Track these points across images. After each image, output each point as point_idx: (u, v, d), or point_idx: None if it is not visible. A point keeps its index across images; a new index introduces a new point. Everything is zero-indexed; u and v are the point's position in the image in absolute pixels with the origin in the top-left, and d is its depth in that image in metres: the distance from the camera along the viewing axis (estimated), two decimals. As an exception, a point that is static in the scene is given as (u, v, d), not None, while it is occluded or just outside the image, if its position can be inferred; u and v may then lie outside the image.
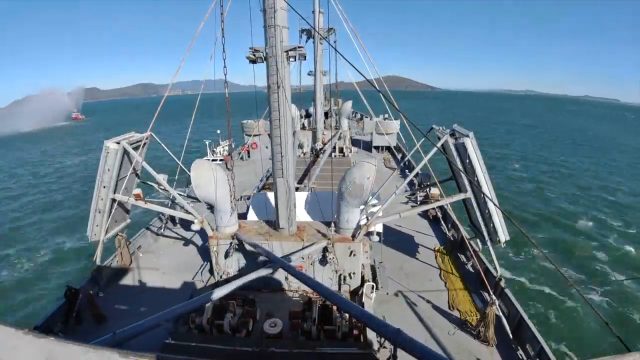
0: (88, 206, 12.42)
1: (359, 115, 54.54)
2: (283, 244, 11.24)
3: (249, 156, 32.55)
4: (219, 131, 41.79)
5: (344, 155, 27.91)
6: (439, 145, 10.59)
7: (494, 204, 10.03)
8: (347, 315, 9.06)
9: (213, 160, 30.60)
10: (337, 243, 11.03)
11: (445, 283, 12.74)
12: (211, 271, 12.46)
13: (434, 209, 17.61)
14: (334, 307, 9.42)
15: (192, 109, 12.66)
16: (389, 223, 13.46)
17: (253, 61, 9.91)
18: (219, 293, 9.57)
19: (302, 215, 12.62)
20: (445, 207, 17.01)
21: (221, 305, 9.88)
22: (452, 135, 10.91)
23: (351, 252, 11.14)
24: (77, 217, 35.44)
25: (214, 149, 36.87)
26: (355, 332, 9.08)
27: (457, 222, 15.71)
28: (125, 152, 11.61)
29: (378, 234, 14.10)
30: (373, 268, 12.69)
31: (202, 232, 12.09)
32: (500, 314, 10.53)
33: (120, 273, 13.53)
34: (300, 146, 28.54)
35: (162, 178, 13.17)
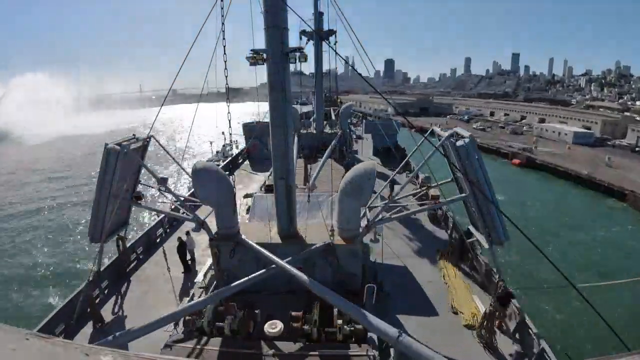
0: (88, 208, 12.44)
1: (359, 116, 54.62)
2: (284, 245, 11.23)
3: (249, 157, 32.58)
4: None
5: (344, 157, 27.93)
6: (438, 145, 10.60)
7: (494, 205, 10.03)
8: (347, 317, 9.05)
9: (216, 161, 30.64)
10: (338, 244, 11.02)
11: (447, 284, 12.72)
12: (212, 273, 12.46)
13: (434, 210, 17.61)
14: (335, 309, 9.41)
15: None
16: (389, 224, 13.48)
17: (254, 63, 9.94)
18: (219, 295, 9.57)
19: (302, 216, 12.61)
20: (446, 208, 17.01)
21: (222, 308, 9.88)
22: (451, 136, 10.92)
23: (352, 253, 11.13)
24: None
25: (217, 150, 37.00)
26: (356, 334, 9.07)
27: (458, 223, 15.69)
28: (126, 154, 11.62)
29: (379, 235, 14.09)
30: (374, 269, 12.68)
31: (202, 235, 12.08)
32: (502, 315, 10.50)
33: (120, 275, 13.53)
34: (301, 147, 28.53)
35: (162, 180, 13.18)
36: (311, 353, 8.49)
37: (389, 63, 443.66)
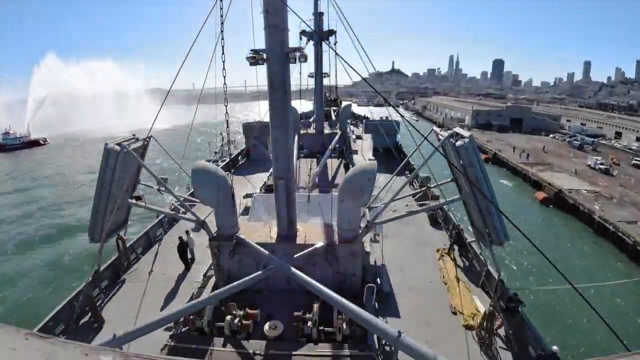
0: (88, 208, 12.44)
1: (359, 116, 54.60)
2: (284, 245, 11.23)
3: (249, 157, 32.56)
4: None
5: (344, 157, 27.94)
6: (438, 146, 10.59)
7: (494, 205, 10.03)
8: (347, 317, 9.05)
9: (214, 161, 30.61)
10: (338, 244, 11.02)
11: (446, 285, 12.72)
12: (212, 273, 12.46)
13: (434, 210, 17.61)
14: (335, 309, 9.41)
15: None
16: (389, 224, 13.47)
17: (253, 63, 9.94)
18: (219, 295, 9.57)
19: (302, 216, 12.62)
20: (446, 208, 17.00)
21: (222, 307, 9.88)
22: (451, 137, 10.92)
23: (352, 253, 11.13)
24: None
25: (216, 150, 37.01)
26: (356, 334, 9.07)
27: (458, 224, 15.68)
28: (126, 154, 11.61)
29: (379, 235, 14.08)
30: (374, 270, 12.68)
31: (202, 234, 12.08)
32: (501, 315, 10.51)
33: (120, 275, 13.53)
34: (301, 147, 28.54)
35: (162, 180, 13.17)
36: (311, 353, 8.49)
37: (498, 64, 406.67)
